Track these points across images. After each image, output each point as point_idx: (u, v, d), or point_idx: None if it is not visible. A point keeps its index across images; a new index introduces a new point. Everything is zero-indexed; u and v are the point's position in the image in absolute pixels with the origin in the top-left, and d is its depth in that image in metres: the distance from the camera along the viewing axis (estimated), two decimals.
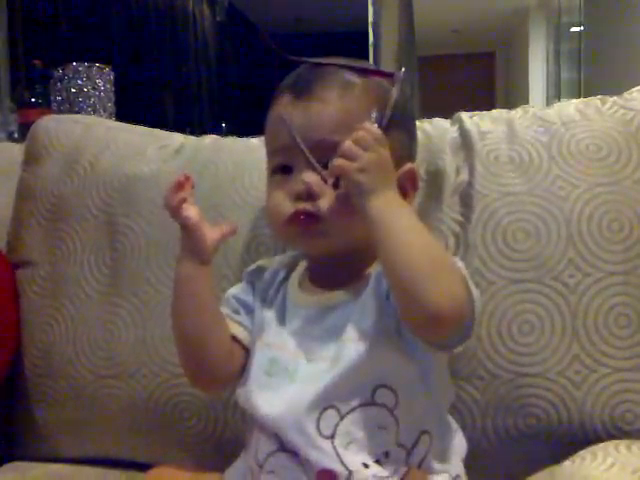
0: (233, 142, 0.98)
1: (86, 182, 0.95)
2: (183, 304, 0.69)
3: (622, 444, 0.69)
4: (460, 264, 0.69)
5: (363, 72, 0.70)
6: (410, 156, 0.74)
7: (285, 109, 0.69)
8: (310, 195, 0.66)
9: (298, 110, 0.68)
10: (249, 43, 5.23)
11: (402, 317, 0.63)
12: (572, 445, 0.75)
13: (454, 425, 0.71)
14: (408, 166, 0.71)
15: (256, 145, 0.95)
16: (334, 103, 0.67)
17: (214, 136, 1.01)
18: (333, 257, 0.69)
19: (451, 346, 0.65)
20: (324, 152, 0.66)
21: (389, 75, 0.70)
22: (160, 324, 0.86)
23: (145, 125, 1.05)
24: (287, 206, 0.67)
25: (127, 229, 0.91)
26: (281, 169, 0.70)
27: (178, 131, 1.05)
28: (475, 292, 0.65)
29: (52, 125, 1.01)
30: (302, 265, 0.75)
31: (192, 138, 1.01)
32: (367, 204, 0.62)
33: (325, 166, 0.66)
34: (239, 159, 0.93)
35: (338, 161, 0.63)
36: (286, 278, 0.75)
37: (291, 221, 0.67)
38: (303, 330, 0.68)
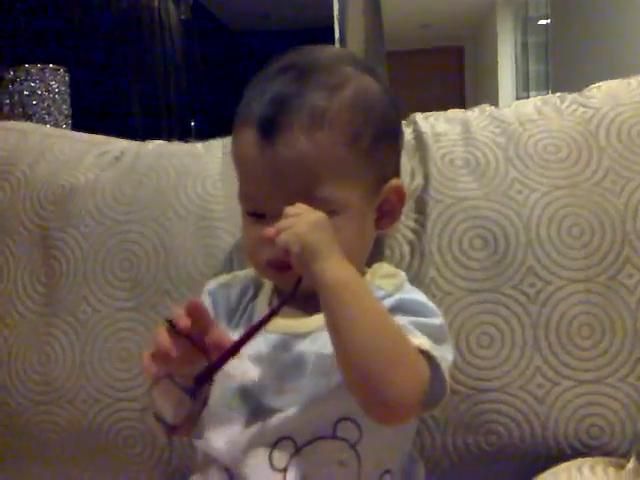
0: (177, 148, 0.92)
1: (19, 194, 0.89)
2: None
3: (586, 464, 0.65)
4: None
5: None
6: (396, 172, 0.70)
7: (251, 150, 0.62)
8: None
9: (266, 155, 0.61)
10: (215, 40, 5.15)
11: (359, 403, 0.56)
12: (536, 462, 0.71)
13: (420, 463, 0.67)
14: (394, 181, 0.67)
15: (202, 152, 0.90)
16: (303, 146, 0.60)
17: (158, 141, 0.95)
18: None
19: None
20: (298, 199, 0.60)
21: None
22: (99, 345, 0.80)
23: (107, 127, 0.98)
24: (262, 252, 0.63)
25: (63, 244, 0.85)
26: (253, 214, 0.65)
27: (144, 131, 0.99)
28: (443, 354, 0.61)
29: None
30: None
31: (134, 144, 0.95)
32: (319, 270, 0.55)
33: None
34: (182, 167, 0.87)
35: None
36: (255, 296, 0.70)
37: (267, 266, 0.64)
38: (269, 357, 0.63)
